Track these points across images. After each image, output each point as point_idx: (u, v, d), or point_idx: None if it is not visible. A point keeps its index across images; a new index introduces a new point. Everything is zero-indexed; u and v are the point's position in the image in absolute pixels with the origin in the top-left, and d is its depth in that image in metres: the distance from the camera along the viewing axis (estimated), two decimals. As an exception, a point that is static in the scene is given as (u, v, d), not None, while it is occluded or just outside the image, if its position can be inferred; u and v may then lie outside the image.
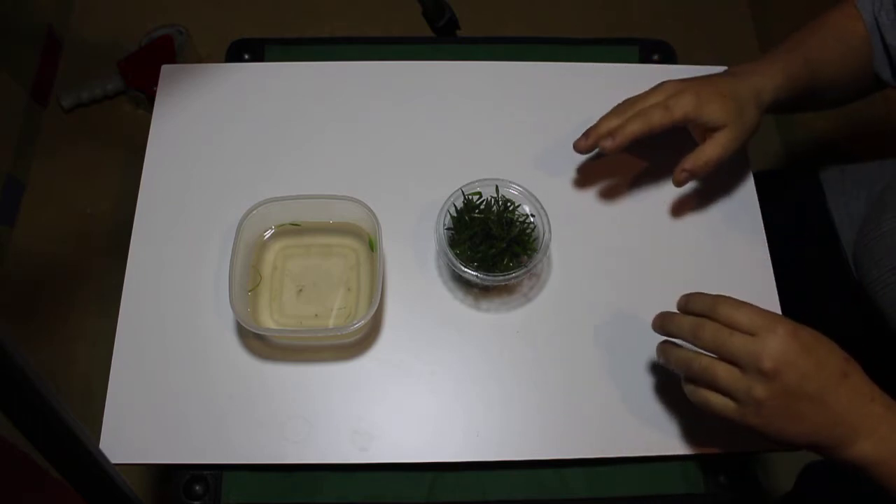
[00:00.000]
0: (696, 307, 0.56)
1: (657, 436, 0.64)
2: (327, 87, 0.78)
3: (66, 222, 1.47)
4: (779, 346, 0.51)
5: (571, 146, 0.69)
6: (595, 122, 0.68)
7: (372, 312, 0.61)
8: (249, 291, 0.66)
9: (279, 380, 0.65)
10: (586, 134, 0.68)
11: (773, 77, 0.67)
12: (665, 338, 0.59)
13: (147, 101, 1.51)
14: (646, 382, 0.66)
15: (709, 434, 0.64)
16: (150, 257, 0.69)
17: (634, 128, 0.65)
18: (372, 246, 0.68)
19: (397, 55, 0.82)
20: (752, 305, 0.53)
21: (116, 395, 0.64)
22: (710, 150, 0.65)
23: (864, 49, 0.71)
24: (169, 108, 0.76)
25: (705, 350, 0.54)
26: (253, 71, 0.80)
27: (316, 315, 0.66)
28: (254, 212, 0.66)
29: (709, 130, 0.66)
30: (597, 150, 0.69)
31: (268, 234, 0.69)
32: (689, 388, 0.56)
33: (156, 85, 0.78)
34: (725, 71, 0.70)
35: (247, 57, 0.83)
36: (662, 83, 0.68)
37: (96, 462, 0.48)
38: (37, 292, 1.41)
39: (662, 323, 0.58)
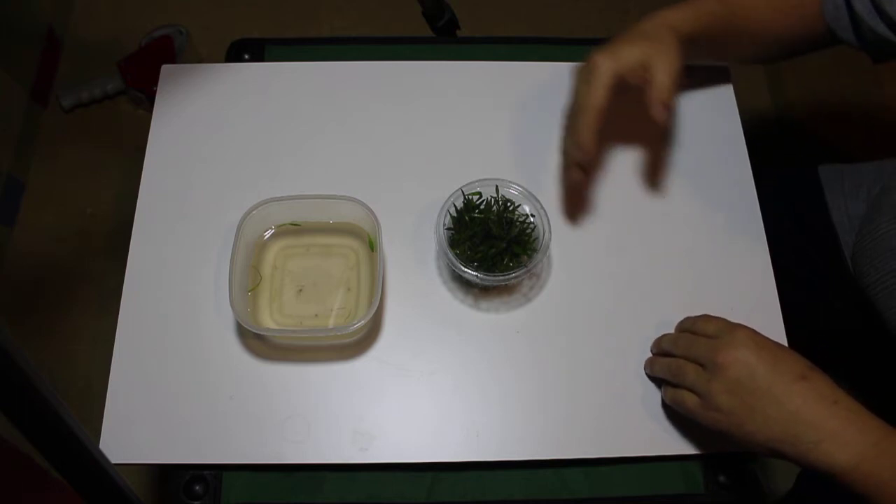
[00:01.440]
0: (682, 326, 0.64)
1: (657, 436, 0.64)
2: (327, 87, 0.78)
3: (66, 222, 1.47)
4: (734, 343, 0.56)
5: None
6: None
7: (372, 312, 0.61)
8: (249, 291, 0.66)
9: (279, 380, 0.65)
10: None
11: (684, 13, 0.65)
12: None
13: (147, 101, 1.50)
14: (646, 382, 0.66)
15: (709, 434, 0.64)
16: (150, 257, 0.69)
17: (589, 112, 0.63)
18: (372, 246, 0.68)
19: (397, 55, 0.82)
20: (722, 319, 0.60)
21: (116, 395, 0.64)
22: (660, 75, 0.62)
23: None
24: (169, 108, 0.76)
25: (681, 356, 0.60)
26: (253, 71, 0.80)
27: (316, 315, 0.66)
28: (254, 212, 0.66)
29: (644, 71, 0.63)
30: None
31: (268, 234, 0.69)
32: (668, 392, 0.61)
33: (156, 85, 0.78)
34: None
35: (247, 57, 0.83)
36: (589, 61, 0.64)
37: (96, 462, 0.48)
38: (37, 292, 1.41)
39: (658, 341, 0.65)
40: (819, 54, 0.73)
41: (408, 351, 0.66)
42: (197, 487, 0.64)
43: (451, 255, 0.64)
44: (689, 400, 0.58)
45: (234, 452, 0.62)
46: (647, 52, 0.62)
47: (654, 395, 0.65)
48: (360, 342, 0.66)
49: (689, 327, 0.62)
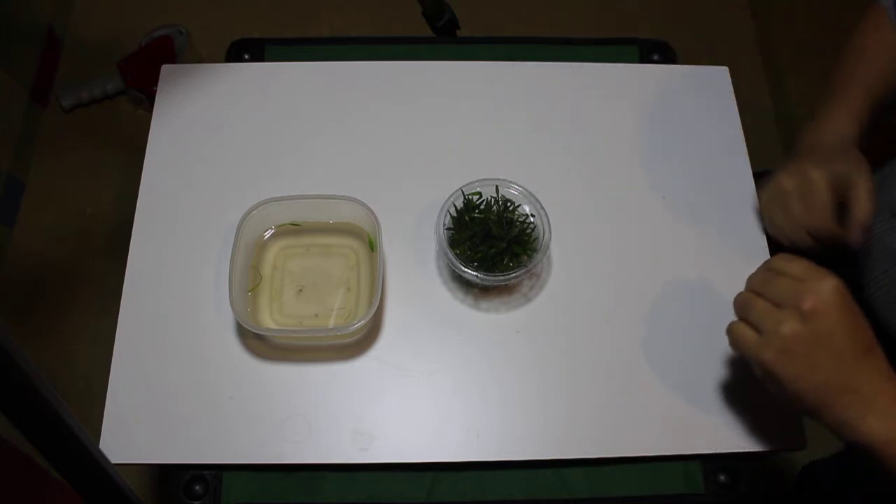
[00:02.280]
0: (751, 283, 0.57)
1: (657, 436, 0.64)
2: (327, 87, 0.78)
3: (66, 222, 1.47)
4: (824, 292, 0.51)
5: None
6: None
7: (372, 312, 0.61)
8: (249, 291, 0.66)
9: (279, 380, 0.65)
10: None
11: (844, 127, 0.68)
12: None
13: (147, 101, 1.50)
14: (646, 383, 0.66)
15: (709, 434, 0.64)
16: (150, 257, 0.69)
17: (825, 227, 0.64)
18: (372, 246, 0.68)
19: (397, 55, 0.82)
20: (809, 261, 0.54)
21: (116, 395, 0.64)
22: (863, 193, 0.64)
23: None
24: (169, 108, 0.76)
25: (755, 291, 0.55)
26: (253, 71, 0.80)
27: (316, 315, 0.66)
28: (254, 212, 0.66)
29: (845, 189, 0.65)
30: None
31: (268, 234, 0.69)
32: (730, 325, 0.57)
33: (156, 85, 0.78)
34: (798, 153, 0.69)
35: (247, 57, 0.83)
36: (782, 186, 0.67)
37: (96, 462, 0.48)
38: (37, 292, 1.41)
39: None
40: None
41: (408, 351, 0.66)
42: (197, 487, 0.64)
43: (451, 255, 0.64)
44: (747, 334, 0.54)
45: (234, 452, 0.62)
46: (848, 169, 0.64)
47: (655, 395, 0.65)
48: (360, 342, 0.66)
49: (769, 266, 0.57)
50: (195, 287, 0.68)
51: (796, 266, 0.54)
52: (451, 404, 0.65)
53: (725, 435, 0.64)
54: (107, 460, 0.50)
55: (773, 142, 1.56)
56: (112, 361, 0.65)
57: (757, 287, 0.55)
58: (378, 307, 0.62)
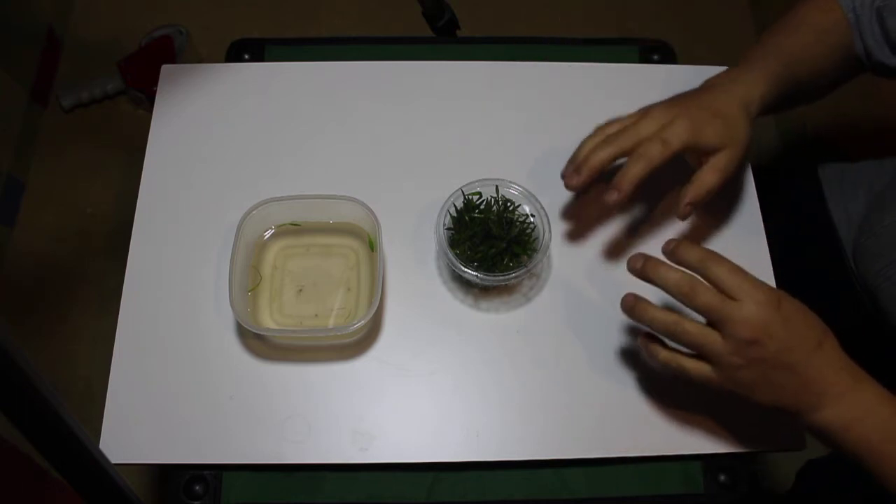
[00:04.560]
0: (685, 257, 0.55)
1: (657, 436, 0.64)
2: (327, 87, 0.78)
3: (66, 222, 1.47)
4: (756, 317, 0.52)
5: (571, 146, 0.69)
6: (586, 141, 0.65)
7: (372, 312, 0.61)
8: (249, 291, 0.66)
9: (279, 380, 0.65)
10: (577, 168, 0.63)
11: (756, 85, 0.65)
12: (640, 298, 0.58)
13: (147, 101, 1.50)
14: (646, 383, 0.66)
15: (709, 434, 0.64)
16: (150, 257, 0.69)
17: (637, 171, 0.61)
18: (372, 246, 0.68)
19: (397, 55, 0.82)
20: (740, 270, 0.53)
21: (116, 395, 0.64)
22: (711, 178, 0.62)
23: (843, 41, 0.69)
24: (169, 108, 0.76)
25: (688, 307, 0.54)
26: (253, 71, 0.80)
27: (316, 315, 0.66)
28: (254, 212, 0.66)
29: (705, 154, 0.63)
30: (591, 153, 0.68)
31: (268, 234, 0.69)
32: (665, 355, 0.57)
33: (156, 85, 0.78)
34: (705, 83, 0.67)
35: (247, 57, 0.83)
36: (648, 109, 0.64)
37: (96, 462, 0.48)
38: (37, 292, 1.41)
39: (644, 266, 0.56)
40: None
41: (408, 351, 0.66)
42: (197, 487, 0.64)
43: (450, 255, 0.64)
44: (695, 367, 0.55)
45: (234, 452, 0.62)
46: (722, 144, 0.62)
47: (654, 395, 0.65)
48: (360, 342, 0.66)
49: (699, 267, 0.54)
50: (195, 287, 0.68)
51: (727, 275, 0.53)
52: (451, 404, 0.65)
53: (725, 435, 0.64)
54: (107, 460, 0.50)
55: (773, 142, 1.56)
56: (112, 361, 0.65)
57: (702, 307, 0.53)
58: (378, 307, 0.62)
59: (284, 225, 0.69)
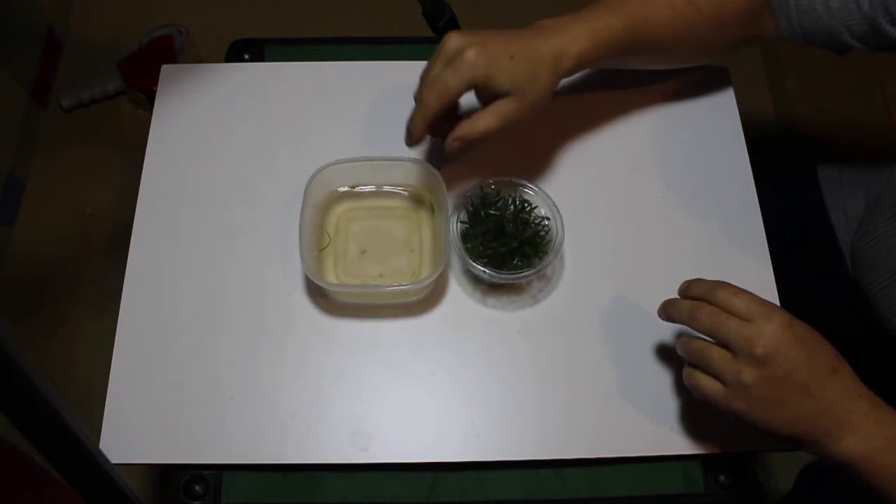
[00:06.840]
0: (695, 291, 0.57)
1: (657, 436, 0.64)
2: (327, 87, 0.78)
3: (66, 222, 1.47)
4: (772, 333, 0.51)
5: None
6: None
7: (440, 270, 0.62)
8: (318, 252, 0.67)
9: (279, 380, 0.65)
10: (410, 134, 0.62)
11: (577, 40, 0.60)
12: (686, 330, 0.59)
13: (147, 101, 1.51)
14: (646, 383, 0.66)
15: (709, 434, 0.64)
16: (150, 257, 0.69)
17: (432, 103, 0.58)
18: (433, 208, 0.69)
19: (397, 55, 0.82)
20: (750, 293, 0.54)
21: (116, 395, 0.64)
22: (487, 120, 0.59)
23: (705, 9, 0.64)
24: (169, 108, 0.76)
25: (702, 333, 0.55)
26: (253, 71, 0.80)
27: (380, 275, 0.68)
28: (319, 174, 0.66)
29: (496, 97, 0.60)
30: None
31: (331, 196, 0.70)
32: (686, 371, 0.57)
33: (156, 85, 0.78)
34: (533, 24, 0.63)
35: (247, 57, 0.83)
36: (447, 36, 0.60)
37: (96, 462, 0.48)
38: (37, 292, 1.41)
39: (665, 308, 0.59)
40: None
41: (408, 351, 0.66)
42: (197, 487, 0.64)
43: (461, 249, 0.64)
44: (708, 385, 0.55)
45: (234, 452, 0.62)
46: (510, 89, 0.59)
47: (655, 395, 0.65)
48: (361, 342, 0.66)
49: (707, 295, 0.55)
50: (195, 287, 0.68)
51: (741, 303, 0.53)
52: (451, 404, 0.65)
53: (725, 435, 0.64)
54: (107, 460, 0.50)
55: (773, 142, 1.56)
56: (112, 361, 0.65)
57: (706, 328, 0.54)
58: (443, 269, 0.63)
59: (345, 189, 0.70)
